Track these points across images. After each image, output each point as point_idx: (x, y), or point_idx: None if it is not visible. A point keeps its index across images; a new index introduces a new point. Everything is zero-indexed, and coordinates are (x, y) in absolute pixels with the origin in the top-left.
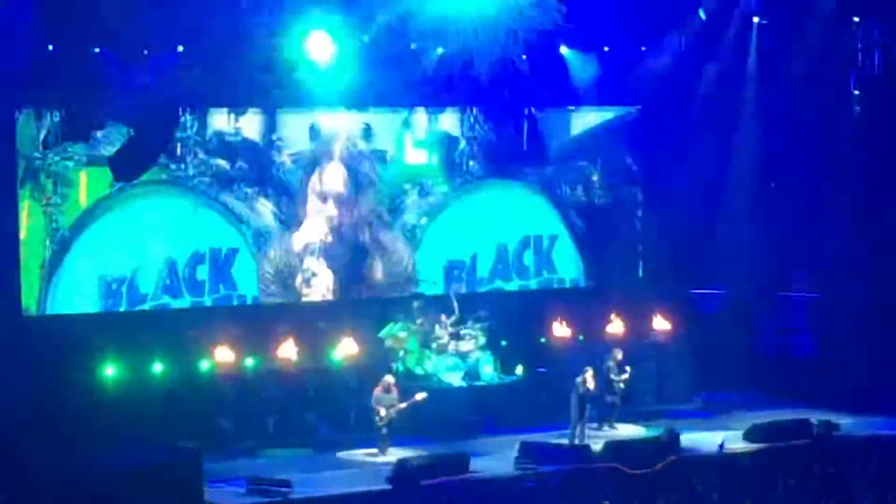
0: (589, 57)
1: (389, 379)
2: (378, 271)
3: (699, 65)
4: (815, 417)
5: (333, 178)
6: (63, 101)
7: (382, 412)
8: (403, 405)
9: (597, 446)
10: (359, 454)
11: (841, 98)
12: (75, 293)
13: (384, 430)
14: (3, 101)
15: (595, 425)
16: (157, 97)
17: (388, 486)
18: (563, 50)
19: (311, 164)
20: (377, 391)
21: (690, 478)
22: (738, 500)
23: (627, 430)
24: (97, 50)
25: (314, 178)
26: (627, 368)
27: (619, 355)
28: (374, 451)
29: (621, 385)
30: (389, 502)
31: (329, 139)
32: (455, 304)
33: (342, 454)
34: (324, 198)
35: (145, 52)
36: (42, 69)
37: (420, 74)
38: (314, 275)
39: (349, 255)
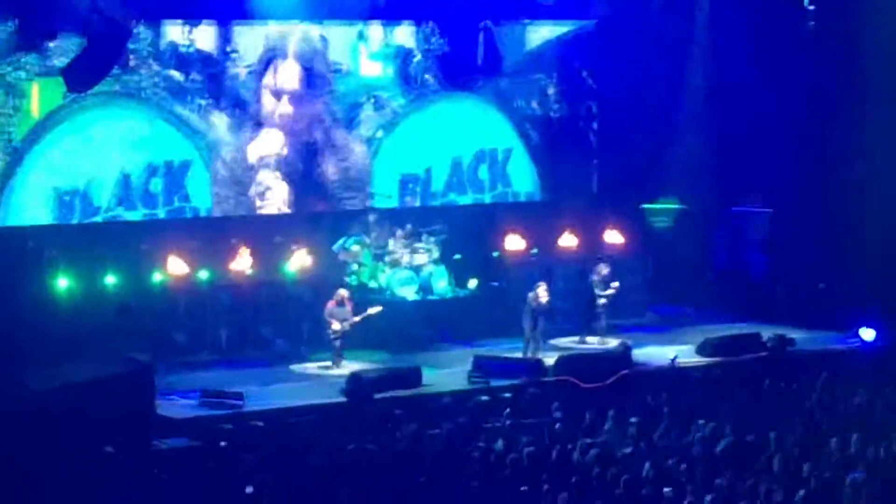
0: None
1: (343, 292)
2: (330, 170)
3: None
4: (767, 332)
5: (288, 74)
6: (14, 11)
7: (336, 326)
8: (357, 319)
9: (549, 360)
10: (312, 367)
11: (795, 12)
12: (28, 205)
13: (337, 344)
14: None
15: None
16: (110, 7)
17: (341, 399)
18: None
19: (266, 61)
20: (330, 305)
21: (643, 392)
22: (689, 413)
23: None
24: None
25: (268, 74)
26: (614, 284)
27: (605, 270)
28: (328, 363)
29: (603, 300)
30: (342, 415)
31: (283, 37)
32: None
33: (295, 367)
34: (278, 94)
35: None
36: None
37: None
38: (269, 188)
39: (302, 156)
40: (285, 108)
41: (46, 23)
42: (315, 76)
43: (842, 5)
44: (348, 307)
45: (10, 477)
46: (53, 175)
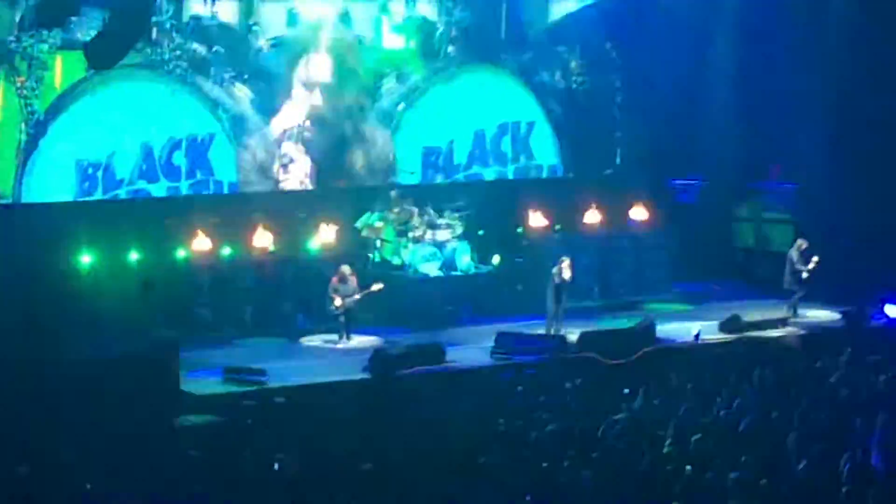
0: None
1: (345, 269)
2: (358, 162)
3: None
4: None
5: (320, 67)
6: None
7: (337, 301)
8: (358, 296)
9: (573, 336)
10: (317, 340)
11: None
12: (51, 177)
13: (342, 319)
14: None
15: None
16: None
17: (364, 376)
18: None
19: (297, 52)
20: (333, 281)
21: (666, 368)
22: (712, 390)
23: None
24: None
25: (300, 66)
26: (815, 258)
27: (804, 245)
28: (334, 337)
29: (805, 274)
30: (365, 391)
31: (315, 27)
32: None
33: (304, 340)
34: (310, 87)
35: None
36: None
37: None
38: (292, 160)
39: (330, 144)
40: (316, 99)
41: None
42: (347, 69)
43: None
44: (352, 283)
45: (38, 449)
46: (76, 147)
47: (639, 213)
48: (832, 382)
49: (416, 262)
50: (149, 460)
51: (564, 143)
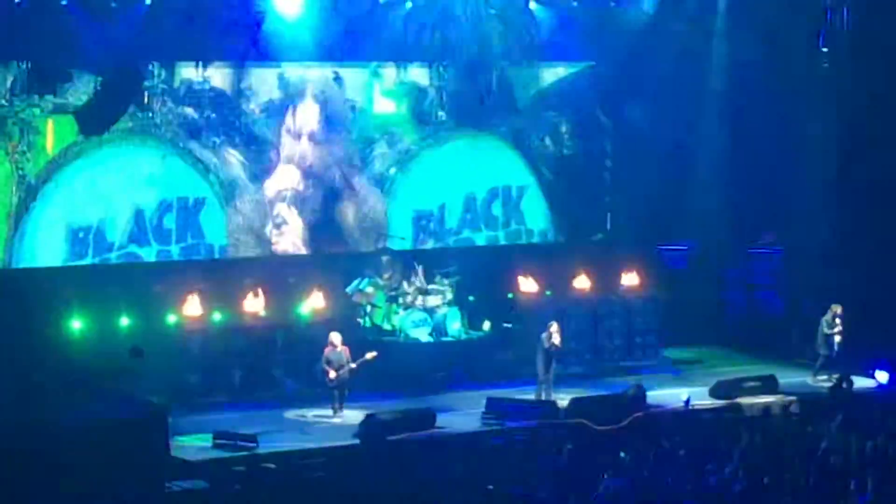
0: (558, 11)
1: (335, 337)
2: (349, 216)
3: (669, 19)
4: (782, 373)
5: (307, 116)
6: (28, 53)
7: (332, 374)
8: (354, 365)
9: (563, 402)
10: (310, 415)
11: (810, 54)
12: (42, 241)
13: (336, 392)
14: None
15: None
16: (124, 50)
17: (355, 441)
18: (532, 5)
19: (283, 104)
20: (326, 351)
21: (656, 434)
22: (703, 455)
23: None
24: (64, 2)
25: (287, 116)
26: (838, 322)
27: (838, 310)
28: (329, 412)
29: (837, 338)
30: (356, 457)
31: (300, 81)
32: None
33: (290, 414)
34: (297, 136)
35: (113, 4)
36: (9, 21)
37: (389, 29)
38: (285, 222)
39: (321, 198)
40: (305, 148)
41: (61, 64)
42: (334, 117)
43: (857, 47)
44: (344, 351)
45: None
46: (67, 211)
47: (629, 278)
48: (823, 448)
49: (407, 327)
50: None
51: (555, 208)
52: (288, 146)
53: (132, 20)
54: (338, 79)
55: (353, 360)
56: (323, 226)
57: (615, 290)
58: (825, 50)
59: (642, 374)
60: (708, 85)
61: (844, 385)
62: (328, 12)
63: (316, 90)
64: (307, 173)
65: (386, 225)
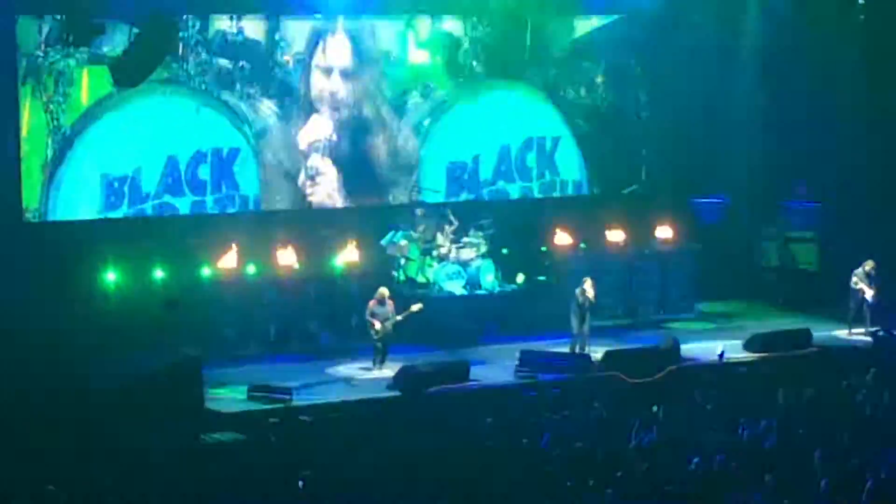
0: None
1: (383, 291)
2: (382, 153)
3: None
4: (817, 327)
5: (337, 50)
6: (63, 6)
7: (377, 326)
8: (399, 318)
9: (597, 355)
10: (353, 368)
11: (845, 6)
12: (77, 192)
13: (379, 345)
14: (2, 4)
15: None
16: (158, 2)
17: (389, 394)
18: None
19: (314, 38)
20: (371, 304)
21: (690, 387)
22: (737, 409)
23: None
24: None
25: (317, 52)
26: (870, 277)
27: (869, 266)
28: (368, 365)
29: (869, 293)
30: (391, 409)
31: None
32: None
33: (333, 369)
34: (328, 71)
35: None
36: None
37: None
38: (319, 173)
39: (353, 140)
40: (336, 84)
41: (94, 16)
42: (365, 51)
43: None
44: (389, 306)
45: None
46: (102, 162)
47: (664, 231)
48: (858, 401)
49: (441, 280)
50: (173, 477)
51: (589, 159)
52: (318, 83)
53: None
54: (371, 31)
55: (398, 313)
56: (357, 170)
57: (649, 243)
58: (861, 2)
59: (676, 328)
60: (742, 36)
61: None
62: None
63: (346, 25)
64: (338, 110)
65: (418, 166)
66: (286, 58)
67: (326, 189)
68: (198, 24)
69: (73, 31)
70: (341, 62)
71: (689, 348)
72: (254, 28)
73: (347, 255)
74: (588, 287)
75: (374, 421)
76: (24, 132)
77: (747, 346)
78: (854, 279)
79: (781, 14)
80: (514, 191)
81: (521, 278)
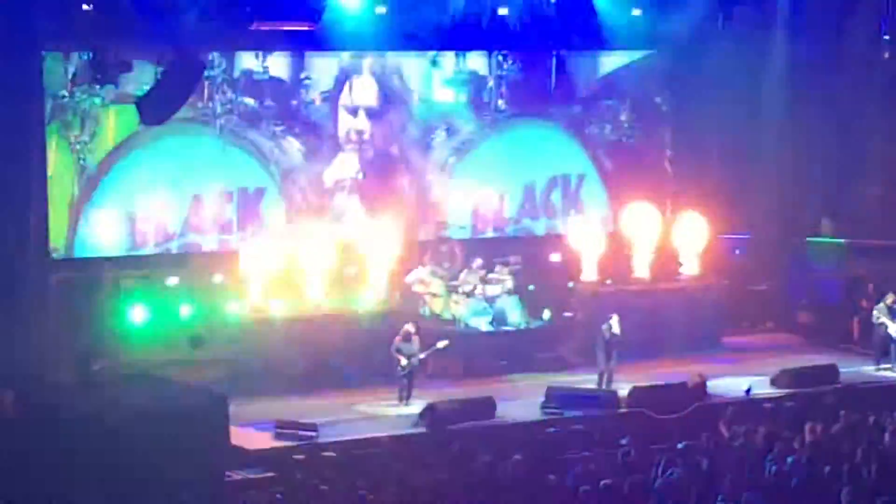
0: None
1: (409, 328)
2: (408, 195)
3: (729, 6)
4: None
5: (364, 91)
6: (89, 43)
7: (403, 362)
8: (423, 355)
9: (623, 391)
10: (378, 406)
11: (870, 43)
12: (103, 232)
13: (405, 381)
14: (30, 43)
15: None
16: (184, 41)
17: (415, 430)
18: None
19: (341, 78)
20: (397, 340)
21: (716, 423)
22: (764, 445)
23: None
24: None
25: (344, 93)
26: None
27: (890, 300)
28: (395, 402)
29: (893, 327)
30: (416, 446)
31: (358, 57)
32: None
33: (360, 407)
34: (354, 111)
35: None
36: (69, 12)
37: (448, 18)
38: (344, 211)
39: (379, 181)
40: (362, 123)
41: (122, 55)
42: (391, 92)
43: None
44: (415, 342)
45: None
46: (127, 201)
47: (690, 267)
48: (886, 438)
49: (467, 316)
50: None
51: (615, 196)
52: (344, 123)
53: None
54: (396, 69)
55: (424, 350)
56: (382, 210)
57: (675, 279)
58: (886, 38)
59: (703, 364)
60: (768, 75)
61: None
62: (387, 2)
63: (372, 66)
64: (364, 150)
65: (445, 205)
66: (312, 96)
67: (350, 227)
68: (224, 64)
69: (99, 70)
70: (367, 102)
71: (716, 384)
72: (279, 66)
73: (374, 292)
74: (615, 323)
75: (400, 457)
76: (50, 171)
77: (775, 382)
78: (876, 314)
79: (808, 48)
80: (539, 228)
81: (547, 314)
